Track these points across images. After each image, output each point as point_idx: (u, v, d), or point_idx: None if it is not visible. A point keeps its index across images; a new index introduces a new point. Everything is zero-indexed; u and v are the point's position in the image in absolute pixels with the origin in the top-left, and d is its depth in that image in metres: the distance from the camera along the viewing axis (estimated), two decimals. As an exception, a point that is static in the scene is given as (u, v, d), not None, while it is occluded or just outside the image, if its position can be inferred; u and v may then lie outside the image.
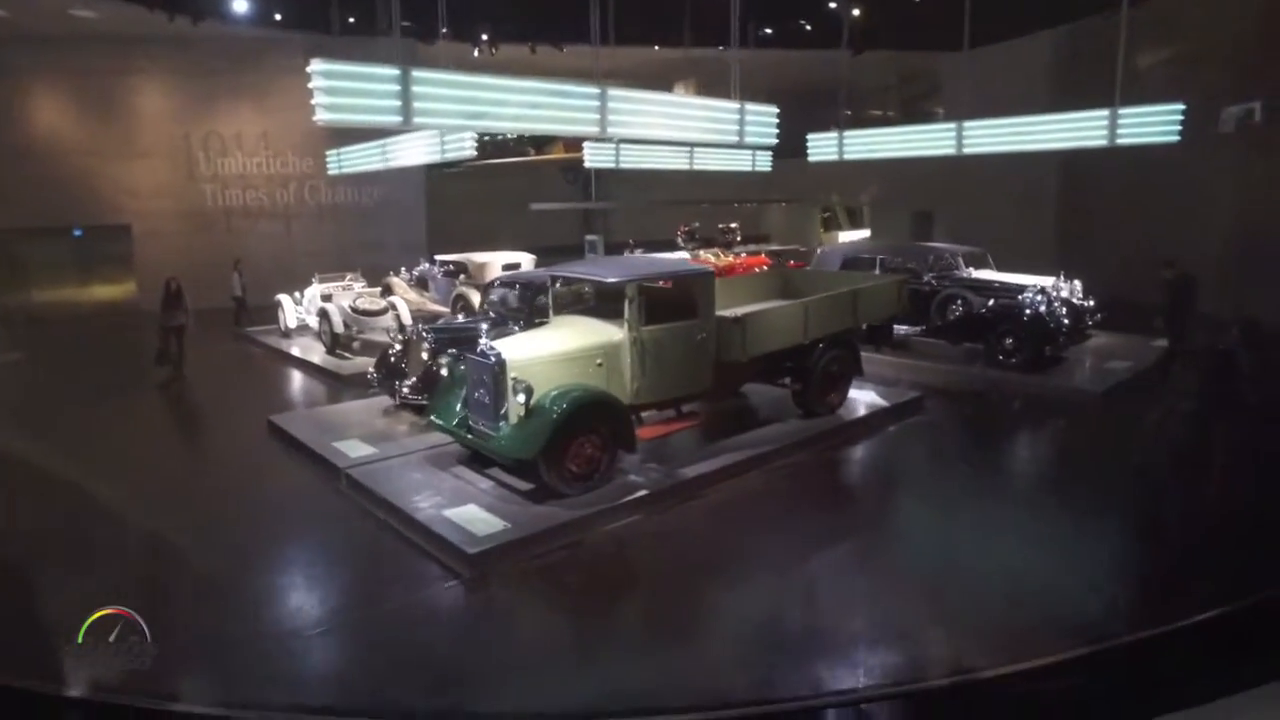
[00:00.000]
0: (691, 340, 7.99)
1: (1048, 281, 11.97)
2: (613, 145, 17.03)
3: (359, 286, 14.56)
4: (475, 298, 14.28)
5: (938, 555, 6.46)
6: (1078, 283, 12.25)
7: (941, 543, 6.72)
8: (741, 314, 8.22)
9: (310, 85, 7.19)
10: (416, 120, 7.70)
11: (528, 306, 9.70)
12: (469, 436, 7.58)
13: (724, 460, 7.99)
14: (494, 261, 14.69)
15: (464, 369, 7.87)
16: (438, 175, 21.37)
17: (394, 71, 7.45)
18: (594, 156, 16.47)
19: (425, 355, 9.29)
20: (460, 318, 10.46)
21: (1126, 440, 9.33)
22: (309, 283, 15.06)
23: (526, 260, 15.42)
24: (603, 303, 8.11)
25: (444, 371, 8.05)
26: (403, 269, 16.27)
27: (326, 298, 14.07)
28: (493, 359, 7.17)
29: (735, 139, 10.82)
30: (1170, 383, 10.83)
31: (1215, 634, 2.72)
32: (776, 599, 5.82)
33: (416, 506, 6.96)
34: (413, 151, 13.66)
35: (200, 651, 5.04)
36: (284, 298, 15.05)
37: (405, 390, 9.23)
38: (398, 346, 9.97)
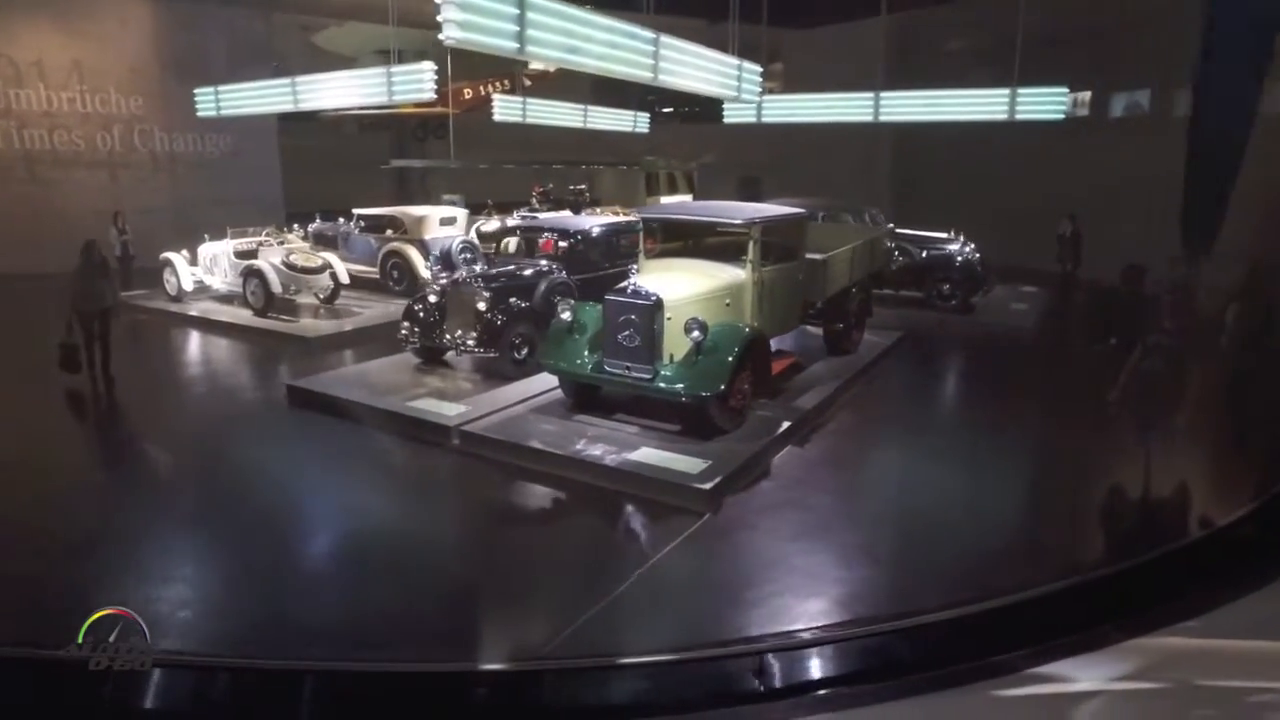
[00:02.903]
0: (793, 281, 8.42)
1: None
2: (520, 99, 16.58)
3: (277, 242, 12.91)
4: (414, 253, 13.34)
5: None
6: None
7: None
8: (823, 257, 8.76)
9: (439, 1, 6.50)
10: (528, 49, 7.28)
11: (582, 253, 9.50)
12: (606, 377, 7.39)
13: (820, 393, 8.53)
14: (432, 215, 13.73)
15: (585, 312, 7.68)
16: (290, 126, 19.17)
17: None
18: (503, 110, 15.87)
19: (482, 305, 8.73)
20: (475, 269, 9.66)
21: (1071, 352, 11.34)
22: (200, 240, 13.08)
23: (461, 215, 14.58)
24: (717, 244, 8.19)
25: (565, 315, 7.68)
26: (295, 225, 14.61)
27: (244, 254, 12.34)
28: (651, 300, 7.08)
29: (735, 94, 11.25)
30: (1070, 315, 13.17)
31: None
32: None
33: (593, 455, 6.75)
34: (341, 91, 12.39)
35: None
36: (174, 256, 12.88)
37: (470, 343, 8.62)
38: (431, 299, 9.21)
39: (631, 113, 20.20)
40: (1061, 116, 13.33)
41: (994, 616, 2.50)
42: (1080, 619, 2.22)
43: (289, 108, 13.05)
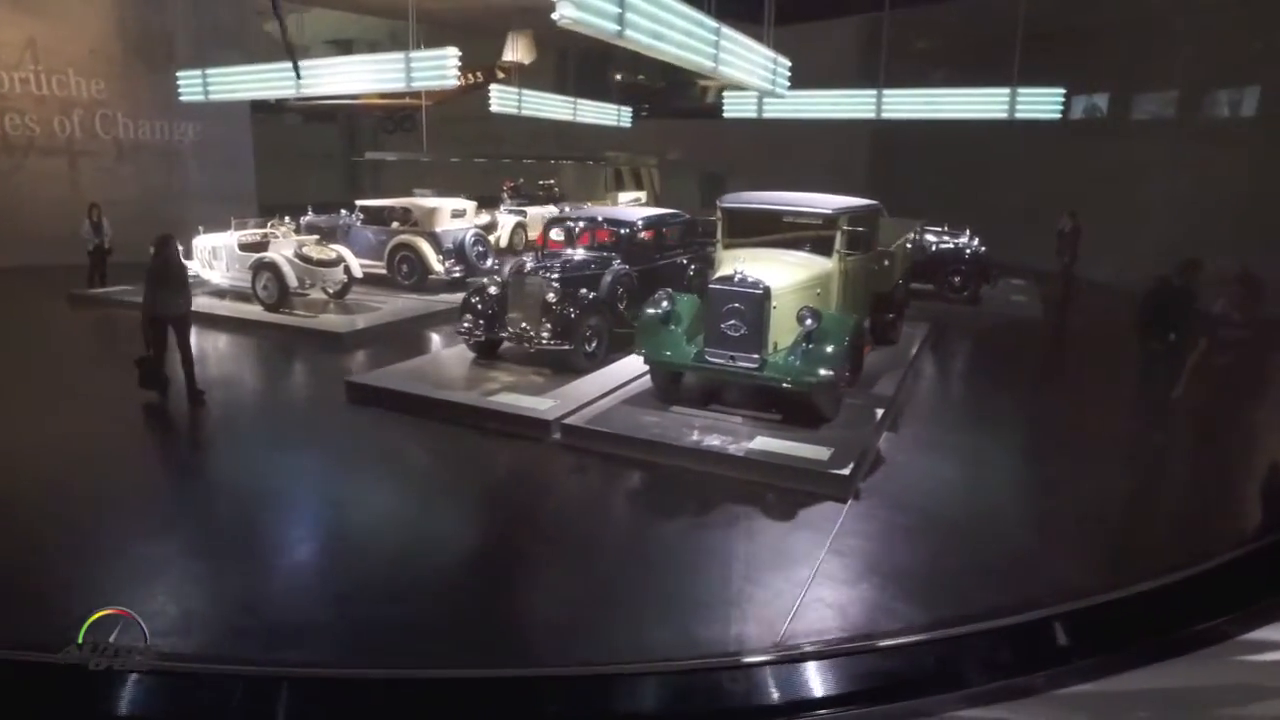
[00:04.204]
0: (869, 271, 8.49)
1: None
2: (516, 91, 16.23)
3: (283, 233, 12.23)
4: (425, 247, 12.88)
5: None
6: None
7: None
8: (892, 249, 8.87)
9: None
10: (627, 34, 7.11)
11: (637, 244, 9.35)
12: (710, 367, 7.27)
13: (891, 380, 8.61)
14: (444, 207, 13.26)
15: (683, 302, 7.58)
16: (263, 116, 18.24)
17: (619, -26, 6.79)
18: (500, 101, 15.50)
19: (552, 297, 8.48)
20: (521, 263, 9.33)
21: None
22: (195, 231, 12.30)
23: (470, 207, 14.14)
24: (798, 234, 8.17)
25: (662, 306, 7.52)
26: (285, 217, 13.90)
27: (250, 247, 11.66)
28: (760, 289, 7.02)
29: (770, 87, 11.27)
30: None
31: None
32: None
33: (715, 445, 6.64)
34: (354, 78, 11.88)
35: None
36: (168, 249, 12.02)
37: (544, 336, 8.36)
38: (493, 290, 8.88)
39: (615, 107, 20.03)
40: (1058, 117, 13.89)
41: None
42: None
43: (290, 93, 12.44)
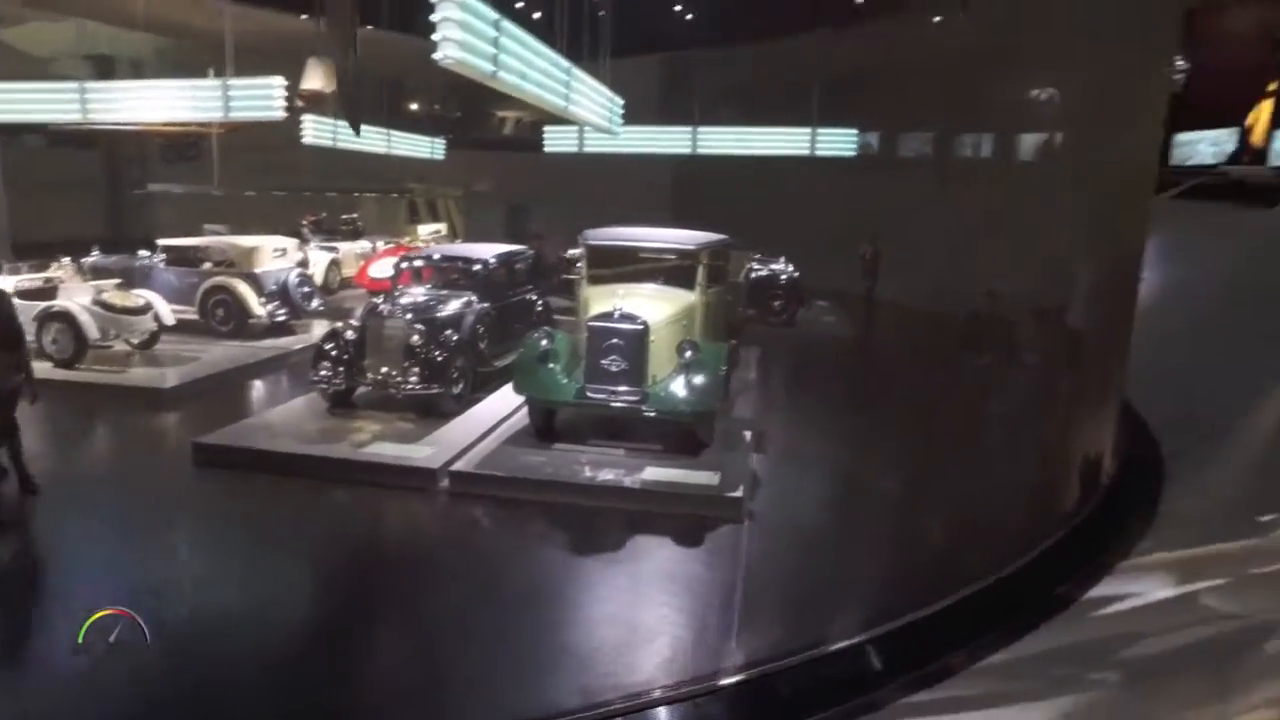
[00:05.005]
0: (724, 301, 9.04)
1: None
2: (332, 122, 15.45)
3: (69, 276, 10.80)
4: (244, 289, 11.93)
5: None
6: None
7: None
8: (740, 280, 9.50)
9: (439, 17, 6.25)
10: (499, 75, 7.18)
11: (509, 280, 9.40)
12: (592, 402, 7.41)
13: (747, 403, 9.21)
14: (266, 246, 12.29)
15: (559, 340, 7.69)
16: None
17: (493, 16, 6.88)
18: (315, 133, 14.71)
19: (418, 340, 8.24)
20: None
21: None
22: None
23: (291, 245, 13.21)
24: (659, 268, 8.50)
25: (541, 345, 7.54)
26: (64, 258, 12.33)
27: (30, 294, 10.21)
28: (640, 325, 7.30)
29: (608, 124, 11.69)
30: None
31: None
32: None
33: (610, 479, 6.80)
34: (160, 104, 10.89)
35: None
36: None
37: (412, 381, 8.08)
38: (350, 335, 8.45)
39: (429, 139, 19.62)
40: (854, 153, 15.55)
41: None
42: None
43: (76, 118, 11.13)
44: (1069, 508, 6.62)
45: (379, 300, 9.30)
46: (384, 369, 8.32)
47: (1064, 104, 9.77)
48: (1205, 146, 17.54)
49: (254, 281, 11.97)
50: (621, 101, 12.05)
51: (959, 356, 9.98)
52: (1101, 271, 7.32)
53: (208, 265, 12.16)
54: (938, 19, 16.71)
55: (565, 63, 9.01)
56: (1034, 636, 4.54)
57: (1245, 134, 16.73)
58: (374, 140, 16.69)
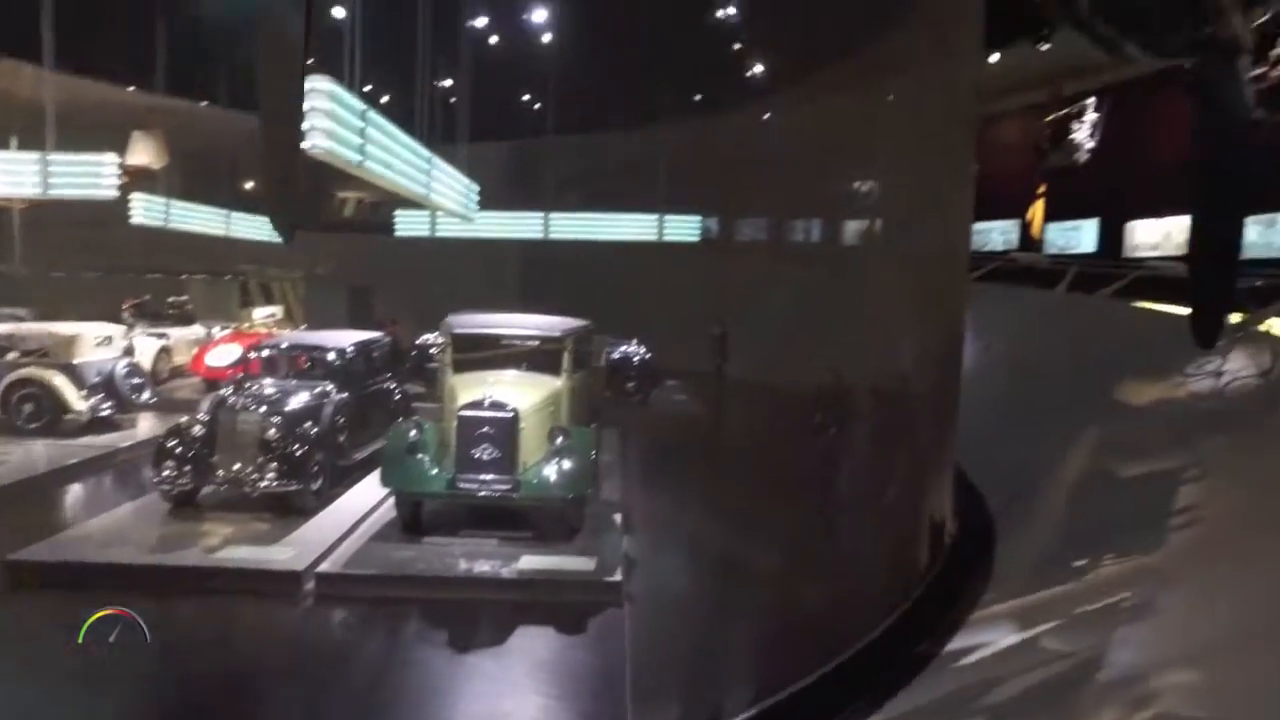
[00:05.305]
0: (587, 386, 9.24)
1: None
2: (164, 200, 14.63)
3: None
4: (59, 381, 10.88)
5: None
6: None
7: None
8: (601, 365, 9.78)
9: (309, 107, 6.27)
10: (365, 163, 7.24)
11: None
12: (463, 492, 7.31)
13: (612, 484, 9.36)
14: (86, 334, 11.25)
15: (428, 430, 7.56)
16: None
17: (360, 106, 6.97)
18: (146, 212, 13.85)
19: (274, 433, 7.84)
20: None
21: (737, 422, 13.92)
22: None
23: (117, 332, 12.15)
24: (524, 354, 8.60)
25: (410, 436, 7.36)
26: None
27: None
28: (511, 413, 7.34)
29: (464, 209, 11.82)
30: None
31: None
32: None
33: (488, 571, 6.71)
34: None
35: None
36: None
37: (269, 478, 7.63)
38: (196, 430, 7.90)
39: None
40: (698, 239, 16.49)
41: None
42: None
43: None
44: (921, 569, 7.20)
45: (226, 391, 8.78)
46: (236, 466, 7.84)
47: (888, 195, 10.90)
48: (996, 235, 20.00)
49: (72, 373, 10.94)
50: (478, 187, 12.25)
51: (809, 431, 10.61)
52: (932, 347, 8.16)
53: (12, 355, 11.01)
54: (763, 114, 18.26)
55: (426, 151, 9.14)
56: (905, 694, 4.89)
57: (1026, 226, 19.27)
58: (211, 220, 15.91)
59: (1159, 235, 15.70)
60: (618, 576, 6.62)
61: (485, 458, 7.31)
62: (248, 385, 8.84)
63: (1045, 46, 13.11)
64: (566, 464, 7.41)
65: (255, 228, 18.21)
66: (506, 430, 7.32)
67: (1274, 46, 5.20)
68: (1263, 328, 9.77)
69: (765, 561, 7.73)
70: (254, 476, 7.71)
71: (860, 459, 9.31)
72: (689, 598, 7.04)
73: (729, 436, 13.94)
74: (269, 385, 8.77)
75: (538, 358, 8.57)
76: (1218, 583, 4.51)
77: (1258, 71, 5.34)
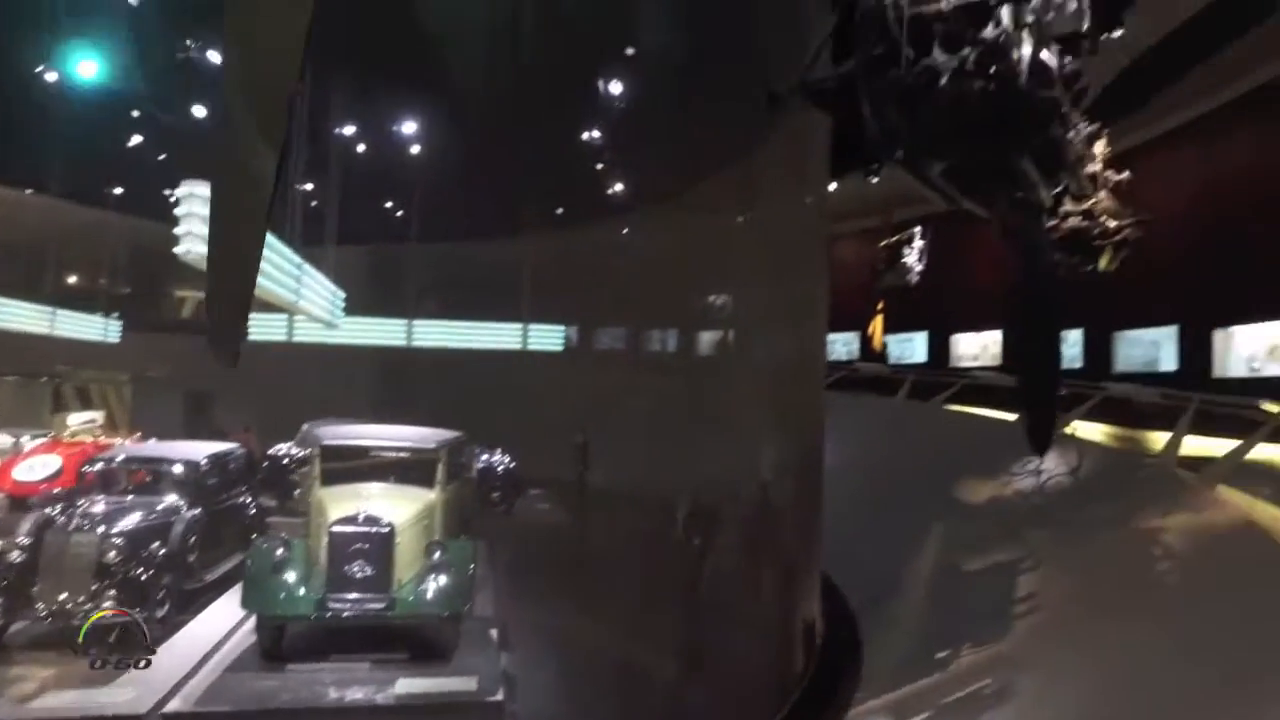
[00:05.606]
0: (462, 498, 9.08)
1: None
2: None
3: None
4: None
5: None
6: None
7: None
8: (475, 473, 9.67)
9: (183, 211, 6.14)
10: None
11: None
12: (334, 614, 6.91)
13: (482, 599, 9.09)
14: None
15: (295, 547, 7.16)
16: None
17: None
18: None
19: (114, 557, 7.14)
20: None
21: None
22: None
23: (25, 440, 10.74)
24: (394, 465, 8.36)
25: (277, 552, 6.89)
26: None
27: None
28: (386, 528, 7.11)
29: (329, 316, 11.57)
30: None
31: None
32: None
33: (362, 699, 6.33)
34: None
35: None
36: None
37: (105, 609, 6.87)
38: (14, 556, 7.05)
39: (102, 319, 17.52)
40: (561, 348, 16.79)
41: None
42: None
43: None
44: (797, 672, 7.44)
45: (53, 510, 7.95)
46: (62, 595, 7.01)
47: (747, 307, 11.63)
48: (840, 346, 21.62)
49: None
50: (343, 294, 12.07)
51: (678, 539, 10.81)
52: (793, 453, 8.68)
53: None
54: (625, 230, 19.16)
55: (296, 257, 9.01)
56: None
57: (868, 339, 20.99)
58: (35, 318, 14.58)
59: (978, 347, 17.60)
60: (499, 695, 6.43)
61: (359, 575, 6.98)
62: (79, 503, 8.05)
63: (875, 180, 14.77)
64: (444, 579, 7.21)
65: (82, 327, 16.84)
66: (382, 546, 7.06)
67: (1061, 204, 6.43)
68: (1069, 430, 11.12)
69: (646, 672, 7.73)
70: (86, 606, 6.94)
71: (729, 566, 9.58)
72: (570, 714, 6.91)
73: (596, 546, 13.91)
74: (106, 502, 8.02)
75: (410, 469, 8.37)
76: (1061, 666, 5.02)
77: (1051, 224, 6.53)
